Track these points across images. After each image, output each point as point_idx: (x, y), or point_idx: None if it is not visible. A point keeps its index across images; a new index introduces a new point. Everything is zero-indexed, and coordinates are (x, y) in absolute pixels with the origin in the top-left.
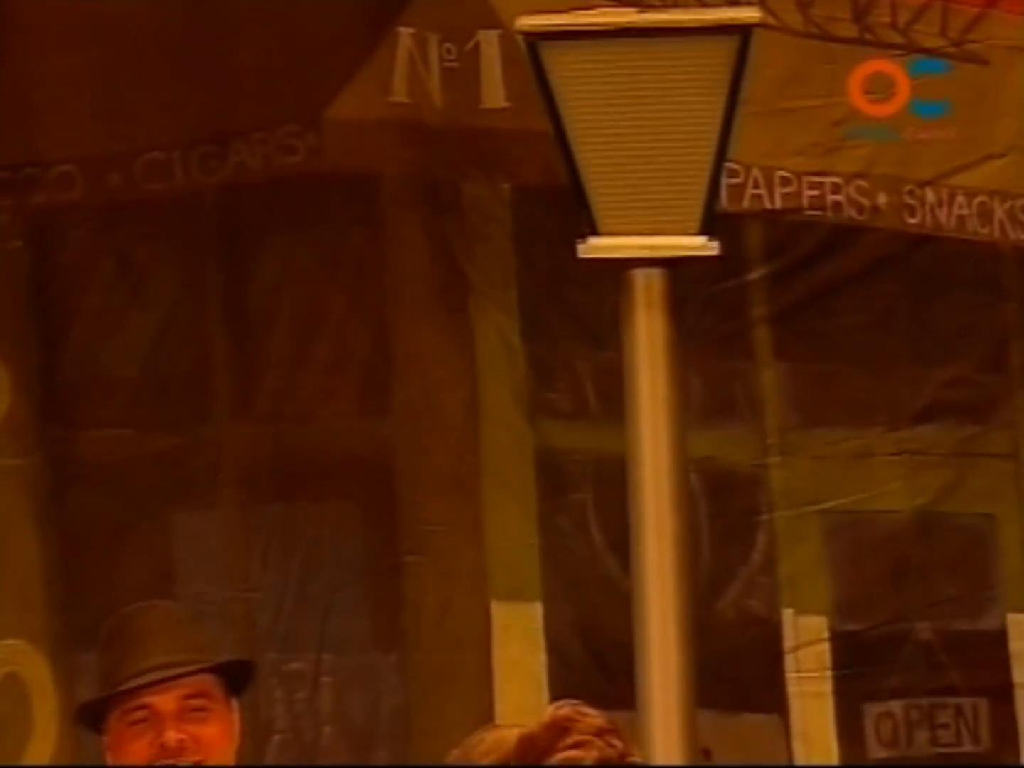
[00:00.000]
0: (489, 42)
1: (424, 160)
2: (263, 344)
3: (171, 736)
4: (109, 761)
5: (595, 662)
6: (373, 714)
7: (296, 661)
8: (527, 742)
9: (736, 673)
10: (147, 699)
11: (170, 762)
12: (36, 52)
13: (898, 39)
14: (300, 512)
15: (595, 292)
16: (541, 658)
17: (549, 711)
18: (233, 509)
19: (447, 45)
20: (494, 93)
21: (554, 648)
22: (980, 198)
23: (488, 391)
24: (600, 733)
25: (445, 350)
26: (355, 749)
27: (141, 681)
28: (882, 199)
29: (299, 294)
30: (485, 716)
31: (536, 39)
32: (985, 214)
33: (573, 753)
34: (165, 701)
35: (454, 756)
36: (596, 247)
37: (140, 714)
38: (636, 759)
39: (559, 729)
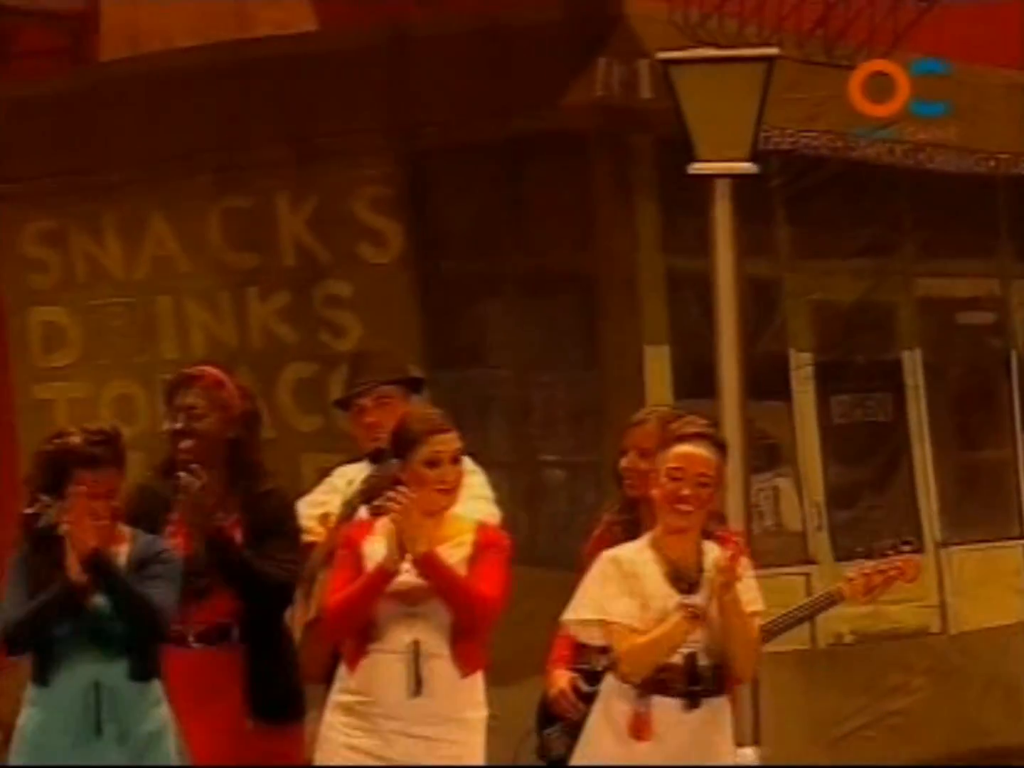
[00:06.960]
0: (643, 65)
1: (609, 125)
2: (524, 223)
3: (365, 420)
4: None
5: (694, 373)
6: (582, 403)
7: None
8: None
9: (765, 380)
10: (358, 401)
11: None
12: (417, 71)
13: (824, 59)
14: (538, 303)
15: (697, 191)
16: (668, 373)
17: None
18: (514, 302)
19: (622, 67)
20: (645, 89)
21: (675, 367)
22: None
23: (642, 241)
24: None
25: (621, 222)
26: (572, 421)
27: (353, 391)
28: (838, 143)
29: (542, 200)
30: (641, 401)
31: (667, 63)
32: (890, 151)
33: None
34: (366, 400)
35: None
36: (697, 168)
37: (357, 405)
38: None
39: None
